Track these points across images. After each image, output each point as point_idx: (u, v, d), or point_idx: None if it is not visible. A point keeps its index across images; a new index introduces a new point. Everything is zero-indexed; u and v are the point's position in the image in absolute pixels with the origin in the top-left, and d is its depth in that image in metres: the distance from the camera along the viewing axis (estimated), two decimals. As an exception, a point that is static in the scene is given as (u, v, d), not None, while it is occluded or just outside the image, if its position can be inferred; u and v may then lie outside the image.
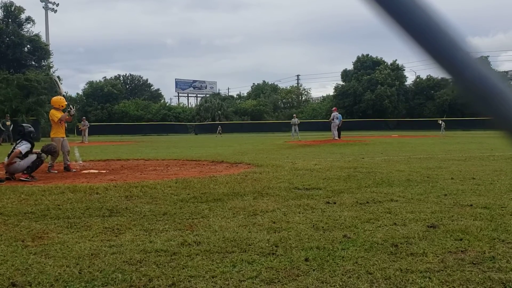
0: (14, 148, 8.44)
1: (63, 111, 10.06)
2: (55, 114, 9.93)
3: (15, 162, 8.13)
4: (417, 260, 3.14)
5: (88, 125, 30.55)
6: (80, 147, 20.78)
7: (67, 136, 10.71)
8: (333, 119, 24.88)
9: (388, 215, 4.57)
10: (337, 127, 24.85)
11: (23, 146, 8.36)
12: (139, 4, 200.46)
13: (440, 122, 41.33)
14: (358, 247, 3.46)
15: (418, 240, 3.62)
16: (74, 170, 9.68)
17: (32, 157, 8.32)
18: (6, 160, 8.31)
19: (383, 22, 0.51)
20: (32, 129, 9.02)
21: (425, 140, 23.89)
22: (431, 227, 4.04)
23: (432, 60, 0.51)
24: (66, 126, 10.60)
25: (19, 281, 2.82)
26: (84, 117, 34.49)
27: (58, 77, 38.95)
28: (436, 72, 0.53)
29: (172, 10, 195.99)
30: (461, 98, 0.53)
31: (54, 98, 10.40)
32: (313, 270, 2.97)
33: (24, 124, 9.33)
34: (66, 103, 10.30)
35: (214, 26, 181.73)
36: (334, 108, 28.02)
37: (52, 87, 33.98)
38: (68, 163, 9.90)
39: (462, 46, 0.51)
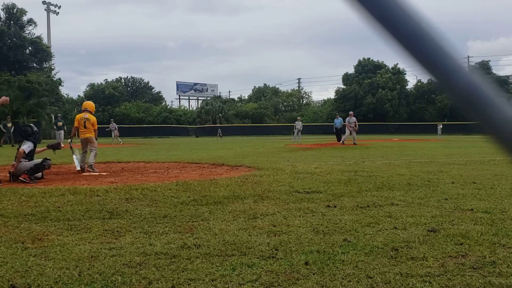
0: (18, 149, 8.58)
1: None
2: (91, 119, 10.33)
3: (20, 161, 8.26)
4: (417, 265, 3.13)
5: (116, 128, 31.43)
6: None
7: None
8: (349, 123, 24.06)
9: (388, 219, 4.56)
10: (335, 130, 24.70)
11: (26, 146, 8.50)
12: (141, 7, 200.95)
13: (441, 126, 41.29)
14: (358, 251, 3.46)
15: (418, 244, 3.61)
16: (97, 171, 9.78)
17: (37, 160, 8.43)
18: (15, 162, 8.40)
19: (369, 26, 0.51)
20: (36, 129, 9.14)
21: (426, 144, 23.86)
22: (431, 231, 4.03)
23: (418, 65, 0.51)
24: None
25: (19, 283, 2.82)
26: (112, 119, 35.15)
27: (60, 79, 39.12)
28: (425, 77, 0.53)
29: (173, 13, 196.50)
30: (451, 102, 0.53)
31: (89, 103, 10.85)
32: (313, 274, 2.96)
33: (30, 124, 9.49)
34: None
35: (215, 29, 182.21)
36: (351, 112, 26.70)
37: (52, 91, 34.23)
38: (87, 164, 10.04)
39: (449, 52, 0.51)
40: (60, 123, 28.34)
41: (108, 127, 31.57)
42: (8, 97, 8.37)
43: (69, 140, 10.92)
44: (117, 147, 24.42)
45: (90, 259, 3.29)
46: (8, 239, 3.90)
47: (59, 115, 31.97)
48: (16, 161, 8.32)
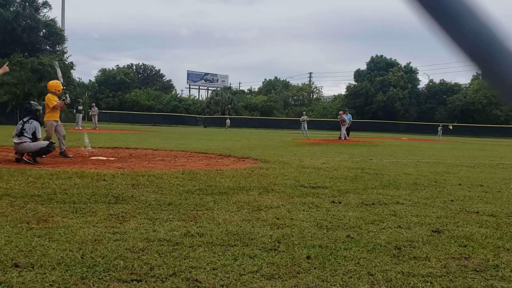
0: (23, 126, 8.37)
1: (59, 96, 10.03)
2: (51, 99, 9.79)
3: (25, 142, 8.19)
4: (419, 264, 3.12)
5: (97, 112, 31.38)
6: (90, 134, 20.92)
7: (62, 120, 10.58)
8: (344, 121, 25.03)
9: (393, 218, 4.55)
10: (345, 128, 24.94)
11: (38, 131, 8.45)
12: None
13: (440, 127, 40.87)
14: (361, 247, 3.45)
15: (421, 244, 3.60)
16: (70, 155, 9.53)
17: (43, 143, 8.37)
18: (15, 139, 8.32)
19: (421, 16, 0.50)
20: (39, 107, 8.93)
21: (435, 145, 23.73)
22: (435, 232, 4.02)
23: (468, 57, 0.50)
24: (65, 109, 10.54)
25: (22, 262, 2.85)
26: (93, 103, 35.01)
27: (72, 63, 39.33)
28: (471, 67, 0.52)
29: (187, 0, 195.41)
30: (493, 91, 0.51)
31: (51, 82, 10.24)
32: (314, 268, 2.96)
33: (31, 102, 9.28)
34: (63, 88, 10.21)
35: (229, 19, 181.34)
36: (341, 112, 27.73)
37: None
38: (64, 148, 9.69)
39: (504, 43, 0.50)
40: (80, 107, 28.80)
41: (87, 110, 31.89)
42: (7, 67, 8.20)
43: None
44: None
45: (93, 242, 3.32)
46: (13, 218, 3.94)
47: (80, 100, 32.17)
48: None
